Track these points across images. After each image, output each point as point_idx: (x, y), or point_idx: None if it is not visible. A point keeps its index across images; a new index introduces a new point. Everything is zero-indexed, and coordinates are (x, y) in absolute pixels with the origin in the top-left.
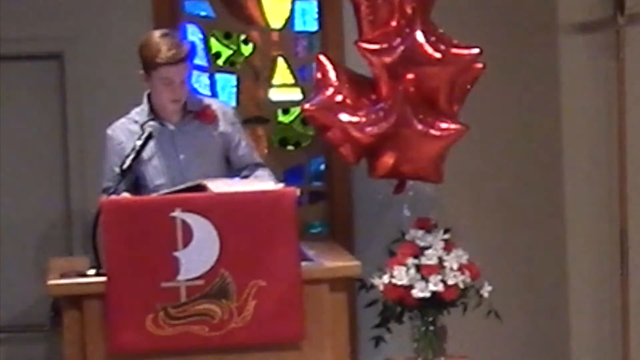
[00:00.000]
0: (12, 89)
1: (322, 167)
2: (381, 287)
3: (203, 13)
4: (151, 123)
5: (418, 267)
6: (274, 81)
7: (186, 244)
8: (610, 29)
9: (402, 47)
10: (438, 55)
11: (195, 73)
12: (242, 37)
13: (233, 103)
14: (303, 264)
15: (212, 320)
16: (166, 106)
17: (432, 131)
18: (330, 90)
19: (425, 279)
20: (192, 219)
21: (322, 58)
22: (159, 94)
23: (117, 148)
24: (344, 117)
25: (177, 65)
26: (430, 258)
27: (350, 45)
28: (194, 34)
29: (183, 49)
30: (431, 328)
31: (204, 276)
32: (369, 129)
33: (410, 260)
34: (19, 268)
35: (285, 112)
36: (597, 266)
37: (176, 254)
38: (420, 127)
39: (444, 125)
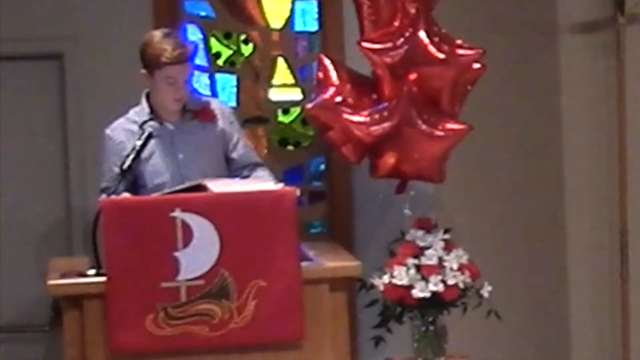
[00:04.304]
0: (12, 89)
1: (322, 167)
2: (381, 287)
3: (203, 13)
4: (151, 123)
5: (418, 267)
6: (274, 81)
7: (186, 244)
8: (610, 29)
9: (405, 47)
10: (441, 55)
11: (195, 73)
12: (242, 37)
13: (233, 103)
14: (303, 264)
15: (212, 320)
16: (168, 105)
17: (436, 131)
18: (332, 90)
19: (425, 279)
20: (192, 219)
21: (324, 58)
22: (161, 93)
23: (116, 148)
24: (347, 116)
25: (182, 65)
26: (430, 258)
27: (351, 45)
28: (194, 34)
29: (187, 48)
30: (431, 328)
31: (204, 276)
32: (371, 128)
33: (410, 260)
34: (19, 268)
35: (285, 112)
36: (597, 267)
37: (176, 254)
38: (424, 127)
39: (448, 126)
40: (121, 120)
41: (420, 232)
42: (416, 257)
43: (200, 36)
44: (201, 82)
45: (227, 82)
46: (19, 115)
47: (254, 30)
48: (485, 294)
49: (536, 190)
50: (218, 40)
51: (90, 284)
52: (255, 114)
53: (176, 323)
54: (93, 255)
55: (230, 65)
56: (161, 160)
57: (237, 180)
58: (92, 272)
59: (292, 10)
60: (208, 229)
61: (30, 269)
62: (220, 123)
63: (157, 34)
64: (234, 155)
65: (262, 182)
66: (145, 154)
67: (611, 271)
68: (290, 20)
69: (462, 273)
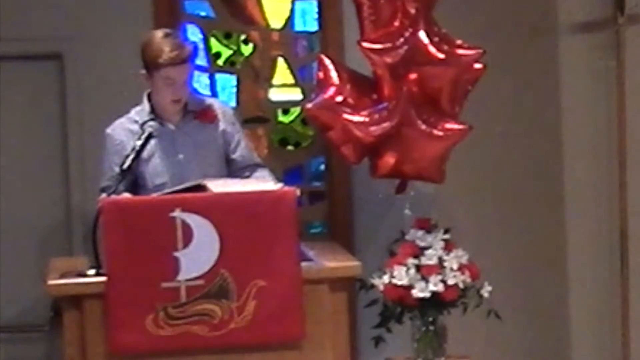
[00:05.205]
0: (12, 89)
1: (322, 167)
2: (381, 287)
3: (203, 13)
4: (151, 123)
5: (418, 267)
6: (274, 81)
7: (186, 244)
8: (610, 29)
9: (405, 47)
10: (441, 55)
11: (195, 73)
12: (242, 37)
13: (233, 103)
14: (303, 264)
15: (212, 320)
16: (167, 106)
17: (436, 131)
18: (332, 90)
19: (425, 279)
20: (192, 219)
21: (324, 58)
22: (160, 93)
23: (116, 147)
24: (347, 116)
25: (180, 66)
26: (430, 258)
27: (350, 45)
28: (194, 34)
29: (186, 49)
30: (431, 328)
31: (204, 276)
32: (371, 128)
33: (410, 260)
34: (19, 268)
35: (285, 112)
36: (597, 266)
37: (176, 254)
38: (423, 127)
39: (448, 126)
40: (122, 119)
41: (420, 232)
42: (416, 257)
43: (200, 36)
44: (201, 82)
45: (227, 82)
46: (19, 115)
47: (254, 30)
48: (485, 294)
49: (536, 190)
50: (218, 40)
51: (90, 284)
52: (255, 114)
53: (176, 323)
54: (93, 255)
55: (230, 65)
56: (162, 161)
57: (237, 180)
58: (92, 272)
59: (292, 10)
60: (208, 229)
61: (30, 269)
62: (222, 124)
63: (158, 34)
64: (235, 156)
65: (262, 182)
66: (145, 154)
67: (611, 271)
68: (290, 20)
69: (462, 273)
